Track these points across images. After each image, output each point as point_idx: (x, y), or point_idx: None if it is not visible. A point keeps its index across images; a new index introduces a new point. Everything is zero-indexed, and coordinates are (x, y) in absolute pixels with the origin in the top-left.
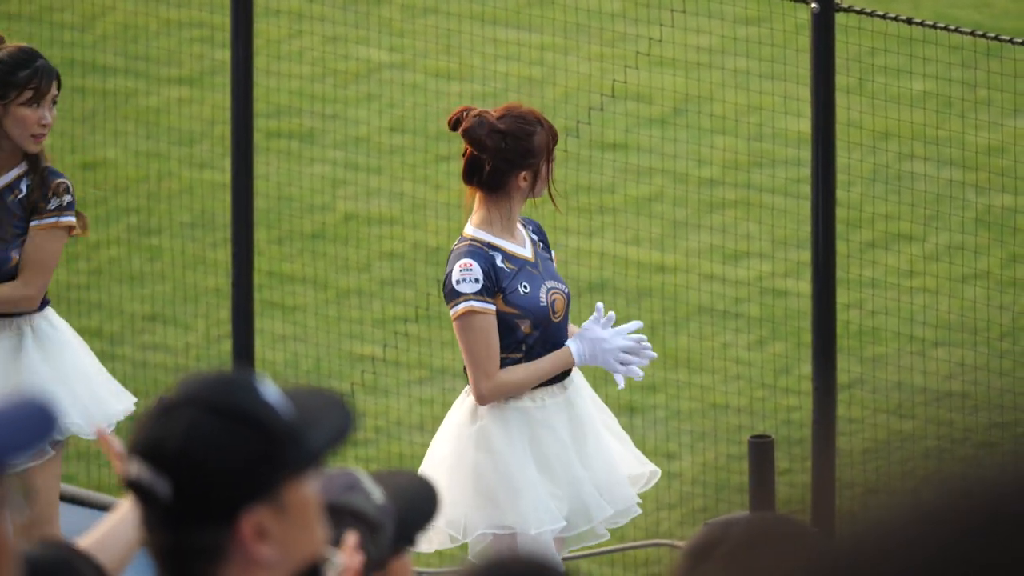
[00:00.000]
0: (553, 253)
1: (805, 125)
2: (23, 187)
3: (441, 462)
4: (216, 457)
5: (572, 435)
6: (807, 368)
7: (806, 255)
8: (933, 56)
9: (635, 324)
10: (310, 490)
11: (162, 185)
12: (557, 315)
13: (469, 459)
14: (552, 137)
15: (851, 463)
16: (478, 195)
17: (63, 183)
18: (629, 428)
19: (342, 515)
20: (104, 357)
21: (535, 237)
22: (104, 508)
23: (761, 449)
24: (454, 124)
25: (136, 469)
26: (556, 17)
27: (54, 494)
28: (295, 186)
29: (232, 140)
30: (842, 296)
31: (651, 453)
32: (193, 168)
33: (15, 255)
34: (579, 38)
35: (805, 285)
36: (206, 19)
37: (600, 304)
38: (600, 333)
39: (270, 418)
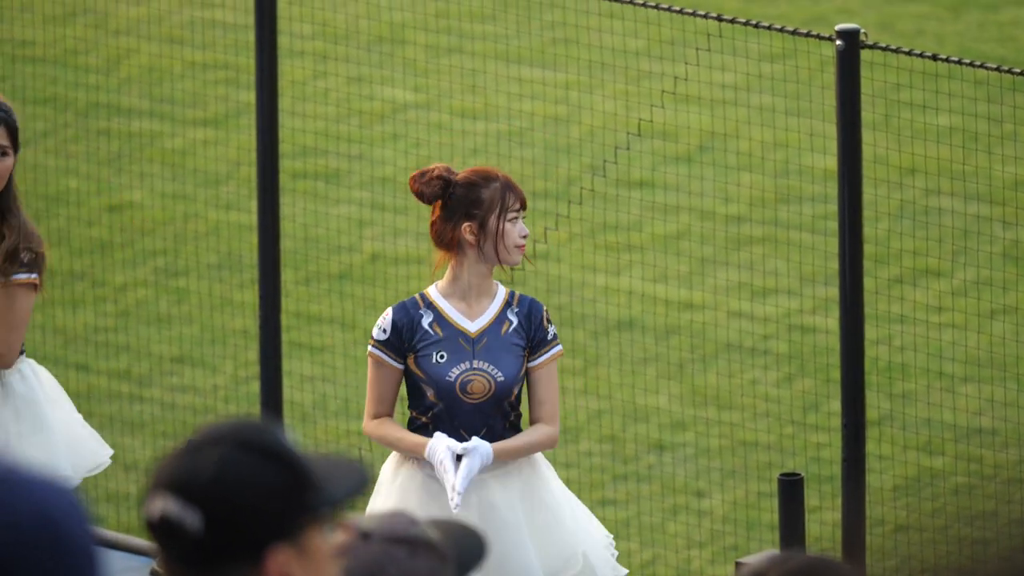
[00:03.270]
0: (552, 332)
1: (831, 161)
2: None
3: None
4: (247, 491)
5: (522, 509)
6: (836, 405)
7: (833, 291)
8: (958, 91)
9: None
10: (327, 539)
11: (188, 227)
12: (471, 396)
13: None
14: (512, 197)
15: (881, 500)
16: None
17: (37, 237)
18: (659, 466)
19: (416, 546)
20: (132, 399)
21: (514, 319)
22: (135, 551)
23: (791, 487)
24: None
25: (162, 504)
26: (580, 55)
27: None
28: (321, 227)
29: (258, 181)
30: (870, 332)
31: (680, 491)
32: (219, 209)
33: None
34: (603, 76)
35: (833, 321)
36: (230, 61)
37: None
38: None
39: (298, 459)
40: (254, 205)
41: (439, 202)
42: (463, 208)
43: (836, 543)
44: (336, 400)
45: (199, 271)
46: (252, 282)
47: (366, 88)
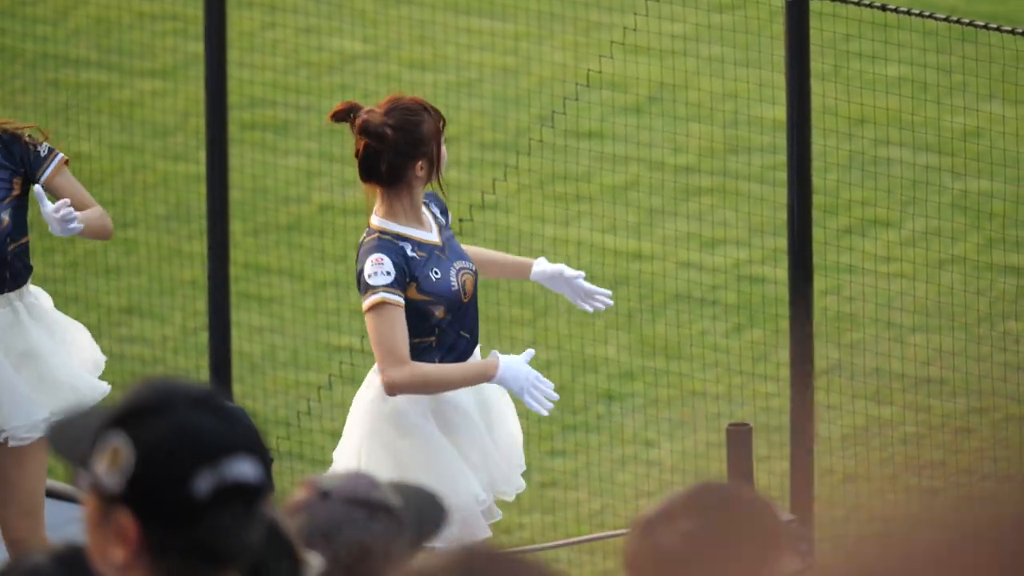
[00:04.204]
0: (449, 219)
1: (780, 112)
2: None
3: (356, 444)
4: (257, 429)
5: (480, 416)
6: (784, 355)
7: (782, 242)
8: (908, 41)
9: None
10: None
11: (137, 178)
12: (467, 296)
13: (385, 439)
14: (438, 119)
15: (829, 450)
16: (379, 190)
17: (29, 133)
18: (608, 416)
19: (375, 509)
20: None
21: (436, 212)
22: None
23: (739, 437)
24: (340, 117)
25: (239, 470)
26: (530, 6)
27: (40, 485)
28: (270, 178)
29: (207, 132)
30: (819, 282)
31: (629, 441)
32: (168, 160)
33: (5, 216)
34: (553, 27)
35: (782, 272)
36: (179, 12)
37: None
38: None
39: None
40: (203, 156)
41: (367, 141)
42: (412, 149)
43: (784, 492)
44: (285, 351)
45: (148, 222)
46: (201, 233)
47: (315, 39)
